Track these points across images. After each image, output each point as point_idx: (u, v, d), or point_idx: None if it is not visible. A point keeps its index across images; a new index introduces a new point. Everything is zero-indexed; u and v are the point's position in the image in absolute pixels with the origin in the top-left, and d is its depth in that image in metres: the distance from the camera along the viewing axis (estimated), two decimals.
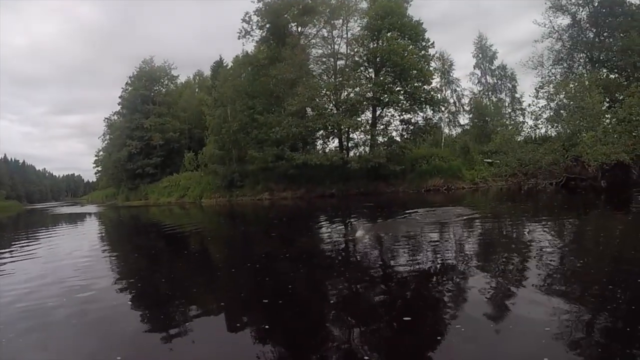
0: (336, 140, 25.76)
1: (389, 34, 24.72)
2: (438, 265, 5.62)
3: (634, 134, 18.49)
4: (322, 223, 12.32)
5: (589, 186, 18.20)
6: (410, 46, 24.58)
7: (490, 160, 23.10)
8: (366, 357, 2.88)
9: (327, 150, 25.76)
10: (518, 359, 2.84)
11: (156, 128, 36.41)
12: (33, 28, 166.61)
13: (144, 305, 4.56)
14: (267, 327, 3.64)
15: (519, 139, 23.59)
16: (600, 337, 3.08)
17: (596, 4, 28.76)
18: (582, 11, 29.22)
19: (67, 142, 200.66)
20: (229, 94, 28.62)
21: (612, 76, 28.95)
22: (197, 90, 39.65)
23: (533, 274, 4.73)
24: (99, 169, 55.13)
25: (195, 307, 4.40)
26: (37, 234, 14.23)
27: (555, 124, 23.03)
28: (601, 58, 28.86)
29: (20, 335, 3.57)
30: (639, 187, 16.47)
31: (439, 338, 3.22)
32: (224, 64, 33.56)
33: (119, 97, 43.05)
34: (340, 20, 27.02)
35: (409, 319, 3.60)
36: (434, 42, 25.42)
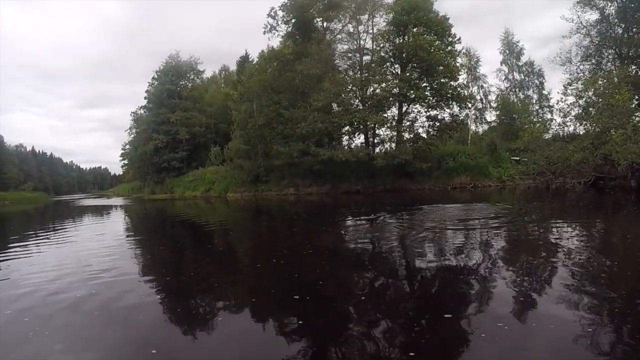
0: (362, 137, 25.93)
1: (415, 30, 24.62)
2: (463, 263, 5.64)
3: None
4: (348, 219, 12.36)
5: (618, 186, 17.94)
6: (437, 42, 24.42)
7: (517, 158, 22.89)
8: (396, 356, 3.02)
9: (352, 147, 25.94)
10: (536, 349, 2.92)
11: (182, 122, 37.16)
12: (58, 24, 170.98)
13: (172, 299, 4.58)
14: (298, 322, 3.69)
15: (546, 137, 23.34)
16: (629, 339, 3.10)
17: None
18: (610, 6, 28.44)
19: (93, 135, 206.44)
20: (255, 88, 29.00)
21: None
22: (222, 85, 40.22)
23: (560, 274, 4.79)
24: (126, 162, 56.57)
25: (222, 301, 4.48)
26: (63, 226, 14.52)
27: (584, 122, 22.57)
28: (630, 54, 28.10)
29: (47, 327, 3.64)
30: None
31: (464, 336, 3.26)
32: (250, 59, 33.95)
33: (145, 91, 44.11)
34: (366, 16, 27.06)
35: (439, 316, 3.71)
36: (460, 38, 25.21)
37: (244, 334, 3.49)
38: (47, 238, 10.68)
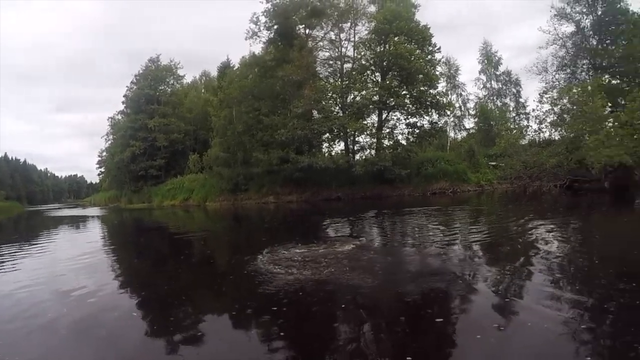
0: (342, 144, 25.88)
1: (396, 38, 24.89)
2: (445, 265, 5.66)
3: (635, 137, 18.61)
4: (328, 226, 12.30)
5: (592, 188, 18.46)
6: (417, 50, 24.73)
7: (495, 163, 23.20)
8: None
9: (332, 154, 25.79)
10: (534, 354, 2.92)
11: (160, 129, 36.32)
12: (33, 24, 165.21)
13: (149, 312, 4.48)
14: (279, 334, 3.61)
15: (523, 143, 23.87)
16: (607, 336, 3.18)
17: (600, 12, 29.09)
18: (586, 19, 29.57)
19: (69, 141, 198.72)
20: (235, 95, 28.57)
21: (614, 82, 29.22)
22: (203, 90, 39.57)
23: (543, 274, 4.86)
24: (102, 170, 54.98)
25: (200, 315, 4.36)
26: (38, 239, 13.92)
27: (559, 128, 23.18)
28: (604, 64, 29.13)
29: (20, 341, 3.55)
30: None
31: (459, 339, 3.25)
32: (231, 65, 33.61)
33: (124, 95, 43.06)
34: (348, 24, 27.19)
35: (431, 320, 3.63)
36: (440, 47, 25.64)
37: (225, 348, 3.43)
38: (21, 251, 10.22)
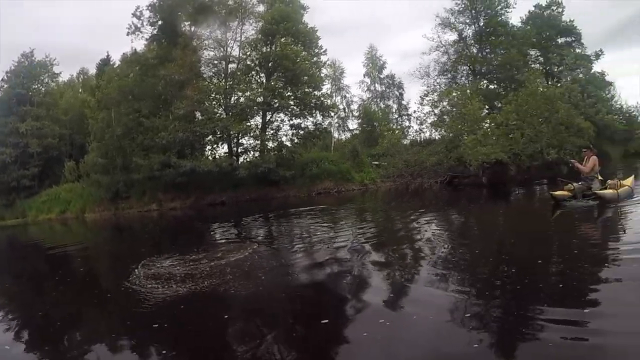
0: (225, 146, 24.83)
1: (282, 39, 24.62)
2: (331, 265, 5.60)
3: (510, 136, 20.34)
4: (211, 233, 12.11)
5: (471, 183, 19.73)
6: (303, 52, 24.71)
7: (378, 163, 23.95)
8: None
9: (216, 156, 24.66)
10: (421, 346, 2.94)
11: (33, 133, 31.98)
12: None
13: (22, 342, 4.13)
14: (162, 352, 3.40)
15: (405, 142, 25.07)
16: (492, 323, 3.26)
17: (481, 23, 31.88)
18: (468, 29, 32.28)
19: None
20: (114, 95, 26.13)
21: (491, 87, 32.24)
22: (80, 90, 35.80)
23: (428, 265, 4.98)
24: None
25: (79, 340, 4.08)
26: None
27: (439, 128, 24.71)
28: (482, 71, 31.99)
29: None
30: (516, 182, 18.21)
31: (346, 338, 3.21)
32: (111, 62, 30.83)
33: None
34: (236, 22, 26.28)
35: (317, 323, 3.55)
36: (326, 50, 25.95)
37: None
38: None
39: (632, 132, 33.36)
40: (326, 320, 3.63)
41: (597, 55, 35.86)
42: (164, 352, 3.45)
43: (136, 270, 6.28)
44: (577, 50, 35.44)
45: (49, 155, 32.47)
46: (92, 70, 35.72)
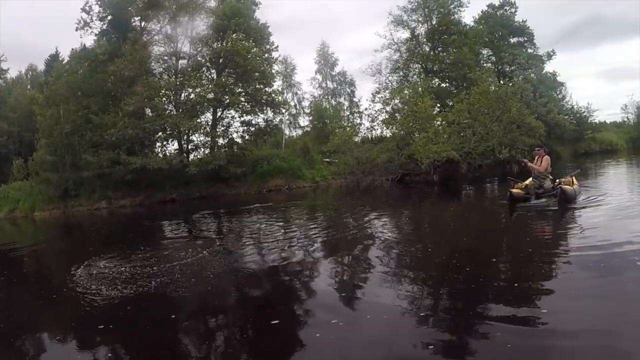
0: (176, 143, 24.73)
1: (234, 35, 24.62)
2: (286, 263, 5.51)
3: (461, 134, 20.91)
4: (160, 231, 12.01)
5: (422, 180, 20.11)
6: (255, 48, 24.79)
7: (329, 160, 24.36)
8: None
9: (166, 154, 24.54)
10: (375, 347, 2.86)
11: None
12: None
13: None
14: (107, 355, 3.26)
15: (356, 140, 25.39)
16: (445, 321, 3.23)
17: (434, 22, 32.51)
18: (420, 27, 32.82)
19: None
20: (63, 91, 25.54)
21: (443, 85, 33.02)
22: (29, 87, 34.69)
23: (381, 263, 4.91)
24: None
25: (28, 340, 3.97)
26: None
27: (391, 126, 25.17)
28: (434, 69, 32.73)
29: None
30: (468, 179, 18.74)
31: (297, 339, 3.12)
32: (60, 58, 30.01)
33: None
34: (186, 18, 26.07)
35: (266, 324, 3.47)
36: (278, 46, 26.12)
37: None
38: None
39: (582, 132, 34.77)
40: (277, 321, 3.52)
41: (549, 56, 37.31)
42: (109, 354, 3.31)
43: (82, 270, 6.16)
44: (530, 51, 36.72)
45: None
46: (41, 67, 34.75)
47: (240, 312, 4.14)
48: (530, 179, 9.01)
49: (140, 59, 24.21)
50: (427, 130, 21.20)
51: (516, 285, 3.99)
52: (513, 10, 36.83)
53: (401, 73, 31.39)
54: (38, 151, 27.10)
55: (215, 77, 24.62)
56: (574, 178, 8.92)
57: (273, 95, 24.58)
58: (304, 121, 32.33)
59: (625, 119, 43.72)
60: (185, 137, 24.19)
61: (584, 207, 7.63)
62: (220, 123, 24.50)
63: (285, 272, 5.26)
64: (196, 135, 23.86)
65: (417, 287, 4.14)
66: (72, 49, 27.94)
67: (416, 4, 30.63)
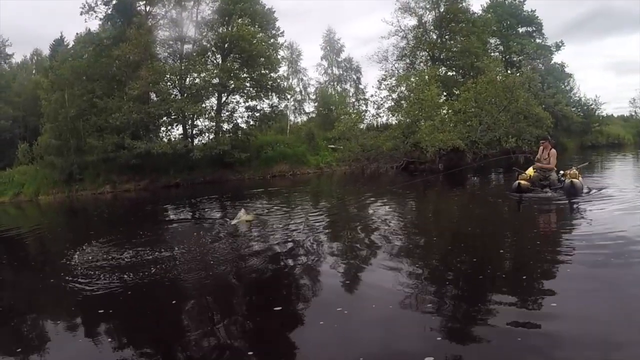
0: (180, 128, 24.70)
1: (239, 20, 24.40)
2: (290, 249, 5.44)
3: (467, 123, 20.69)
4: (163, 215, 11.87)
5: (427, 169, 19.87)
6: (260, 33, 24.58)
7: (334, 146, 24.19)
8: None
9: (171, 138, 24.49)
10: (380, 336, 2.80)
11: None
12: None
13: None
14: (108, 340, 3.24)
15: (361, 127, 25.17)
16: (450, 310, 3.18)
17: (442, 9, 32.00)
18: (428, 14, 32.30)
19: None
20: (68, 76, 25.54)
21: (450, 73, 32.58)
22: (34, 72, 34.68)
23: (382, 254, 4.80)
24: None
25: (28, 324, 3.95)
26: None
27: (396, 113, 24.94)
28: (441, 57, 32.29)
29: None
30: (473, 169, 18.52)
31: (301, 327, 3.08)
32: (65, 43, 29.94)
33: None
34: (192, 2, 25.86)
35: (269, 310, 3.43)
36: (284, 31, 25.89)
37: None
38: None
39: (589, 125, 34.25)
40: (279, 308, 3.43)
41: (558, 47, 36.72)
42: (109, 339, 3.27)
43: (83, 254, 6.07)
44: (538, 41, 36.24)
45: (1, 138, 31.56)
46: (46, 52, 34.77)
47: (242, 298, 4.07)
48: (531, 168, 8.92)
49: (145, 44, 24.09)
50: (433, 118, 21.00)
51: (524, 277, 3.85)
52: None
53: (408, 60, 31.06)
54: (43, 135, 27.17)
55: (220, 62, 24.46)
56: (578, 171, 8.72)
57: (278, 80, 24.42)
58: (309, 107, 32.27)
59: (633, 113, 43.08)
60: (189, 122, 24.13)
61: (590, 201, 7.47)
62: (225, 108, 24.41)
63: (288, 258, 5.15)
64: (201, 120, 23.82)
65: (422, 277, 4.09)
66: (77, 34, 27.96)
67: None
